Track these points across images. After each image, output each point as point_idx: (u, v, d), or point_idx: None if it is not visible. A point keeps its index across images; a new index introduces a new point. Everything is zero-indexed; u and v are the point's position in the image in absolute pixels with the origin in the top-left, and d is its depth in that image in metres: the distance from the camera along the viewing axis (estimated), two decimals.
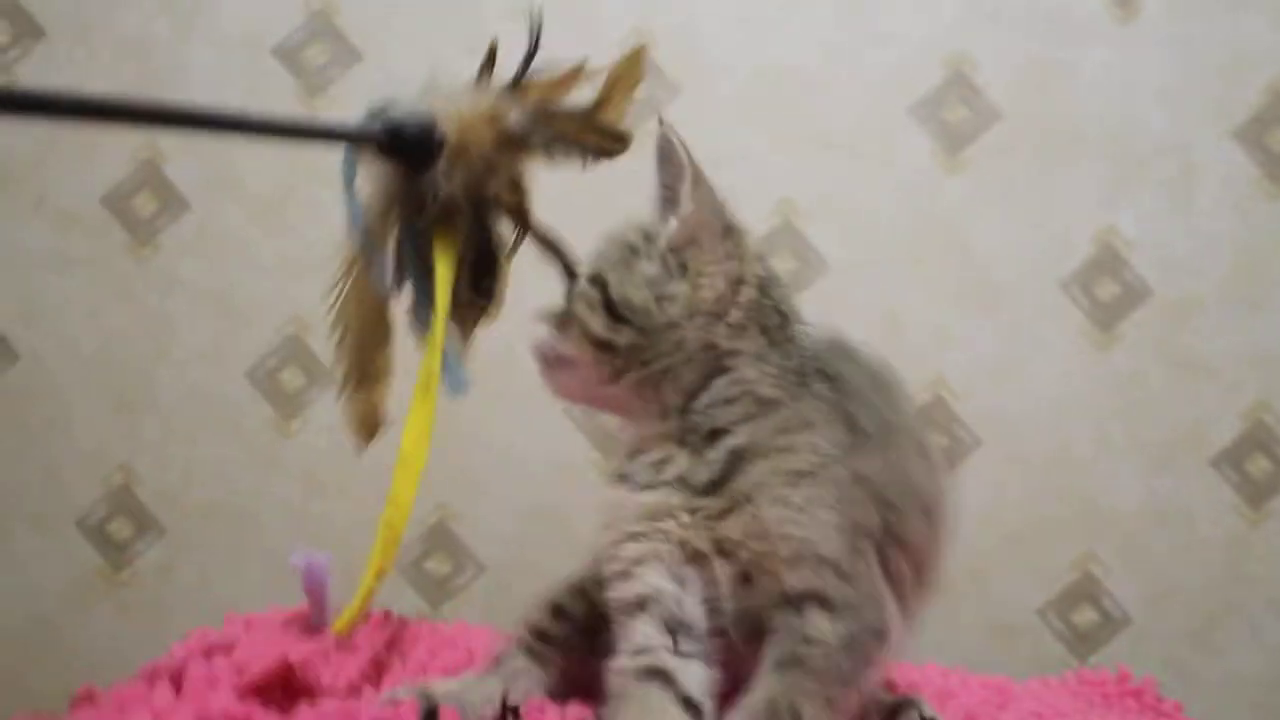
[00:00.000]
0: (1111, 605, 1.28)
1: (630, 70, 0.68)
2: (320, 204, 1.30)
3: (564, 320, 0.67)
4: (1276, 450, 1.28)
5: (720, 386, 0.63)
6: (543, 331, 0.68)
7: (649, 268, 0.64)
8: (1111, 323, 1.29)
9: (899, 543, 0.62)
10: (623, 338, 0.64)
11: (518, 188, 0.66)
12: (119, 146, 1.31)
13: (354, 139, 0.62)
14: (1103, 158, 1.29)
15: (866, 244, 1.30)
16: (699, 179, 0.65)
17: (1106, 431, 1.28)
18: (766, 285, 0.66)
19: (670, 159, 0.66)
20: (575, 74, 0.67)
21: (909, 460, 0.65)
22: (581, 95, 0.67)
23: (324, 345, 1.30)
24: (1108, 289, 1.29)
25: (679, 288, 0.64)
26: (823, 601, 0.57)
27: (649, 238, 0.66)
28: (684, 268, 0.64)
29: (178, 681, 0.57)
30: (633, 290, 0.64)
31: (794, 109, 1.30)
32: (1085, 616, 1.27)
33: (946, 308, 1.30)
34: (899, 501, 0.62)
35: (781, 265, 1.30)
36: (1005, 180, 1.29)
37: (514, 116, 0.64)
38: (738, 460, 0.61)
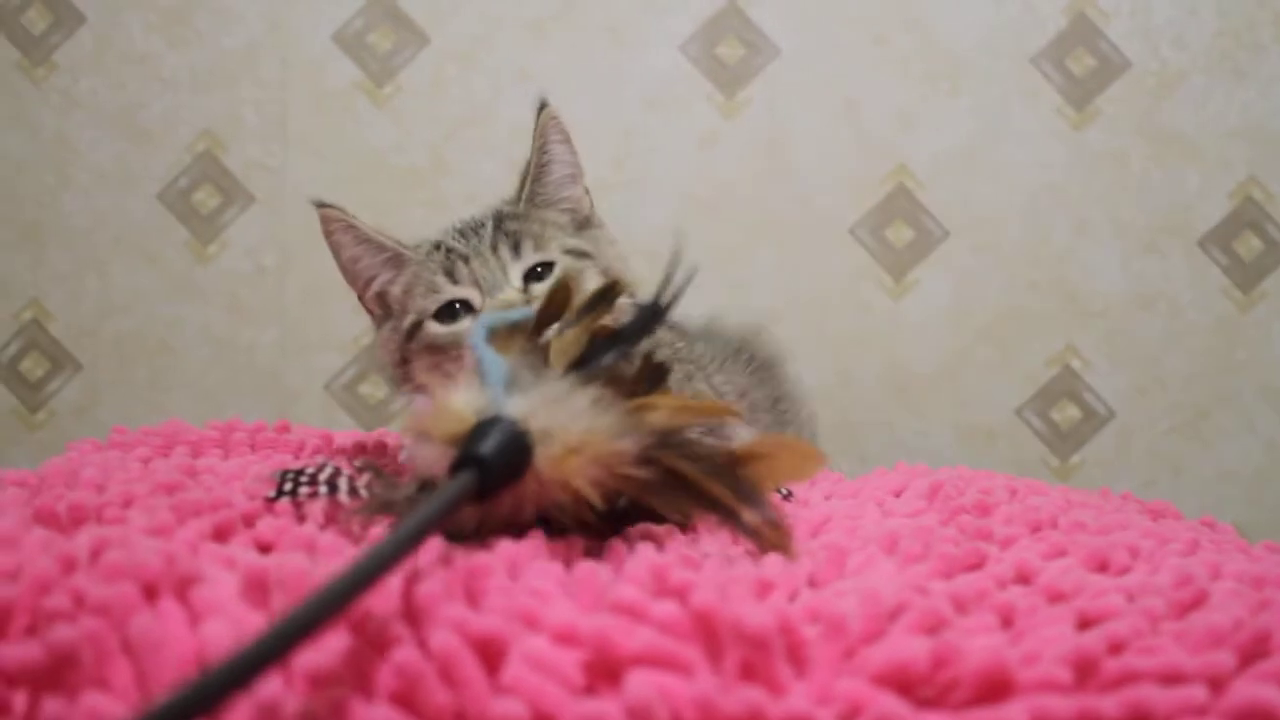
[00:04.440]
0: (1094, 400, 1.19)
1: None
2: (229, 9, 1.21)
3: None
4: (1267, 228, 1.19)
5: None
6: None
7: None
8: (1087, 99, 1.19)
9: None
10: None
11: None
12: None
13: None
14: None
15: (819, 25, 1.20)
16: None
17: (1085, 216, 1.19)
18: None
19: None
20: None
21: None
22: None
23: (239, 161, 1.22)
24: (1083, 62, 1.19)
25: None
26: None
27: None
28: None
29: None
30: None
31: None
32: (1066, 414, 1.19)
33: (908, 91, 1.20)
34: None
35: (728, 53, 1.20)
36: None
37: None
38: None
